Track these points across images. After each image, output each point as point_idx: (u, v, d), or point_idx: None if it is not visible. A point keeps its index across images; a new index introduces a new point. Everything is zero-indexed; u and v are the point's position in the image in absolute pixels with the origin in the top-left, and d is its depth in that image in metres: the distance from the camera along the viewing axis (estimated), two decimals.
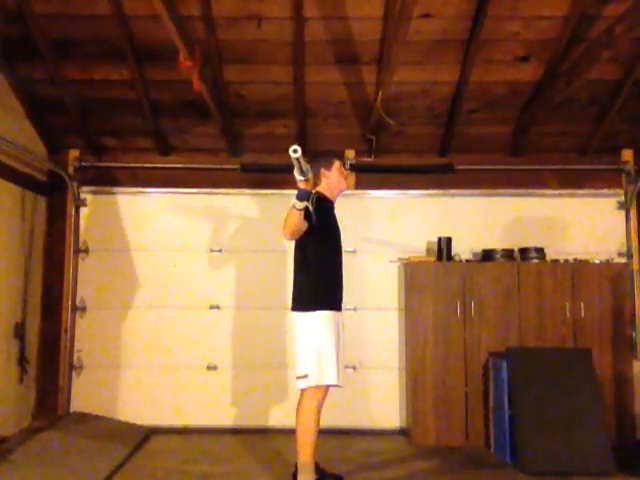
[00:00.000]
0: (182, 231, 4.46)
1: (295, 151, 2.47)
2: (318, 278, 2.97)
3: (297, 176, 2.64)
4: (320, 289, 2.96)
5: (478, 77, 3.91)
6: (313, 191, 2.89)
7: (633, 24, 2.86)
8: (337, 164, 3.16)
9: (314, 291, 2.96)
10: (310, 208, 2.77)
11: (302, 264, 3.02)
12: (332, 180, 3.12)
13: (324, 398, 2.92)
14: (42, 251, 4.38)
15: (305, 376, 2.86)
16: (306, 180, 2.68)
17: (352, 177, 3.15)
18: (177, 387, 4.32)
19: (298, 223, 2.76)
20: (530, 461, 3.40)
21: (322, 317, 2.90)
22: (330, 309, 2.93)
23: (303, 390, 2.89)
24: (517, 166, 4.53)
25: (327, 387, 2.91)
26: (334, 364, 2.87)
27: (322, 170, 3.11)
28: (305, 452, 2.83)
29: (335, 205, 3.19)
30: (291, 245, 4.33)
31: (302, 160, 2.56)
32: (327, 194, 3.10)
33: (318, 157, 3.21)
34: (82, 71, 3.91)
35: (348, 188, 3.18)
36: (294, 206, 2.70)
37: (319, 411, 2.88)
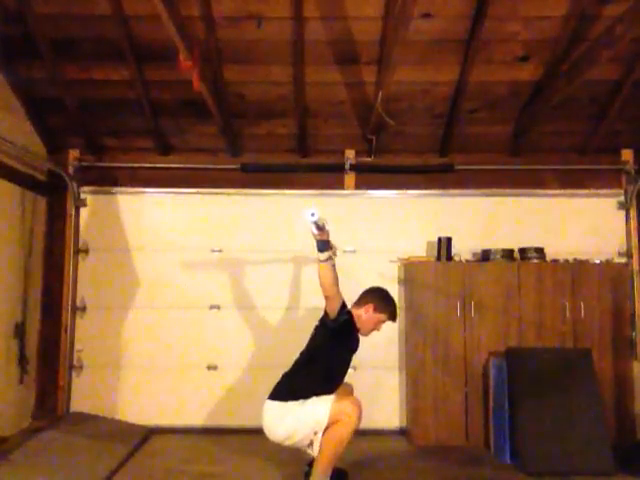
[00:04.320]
0: (182, 231, 4.46)
1: (313, 215, 2.47)
2: (311, 387, 2.92)
3: (314, 231, 2.64)
4: (311, 394, 2.90)
5: (478, 77, 3.91)
6: (345, 311, 2.89)
7: (633, 24, 2.86)
8: (383, 318, 3.08)
9: (305, 391, 2.90)
10: (333, 258, 2.76)
11: (306, 363, 3.01)
12: (367, 319, 3.05)
13: (357, 404, 2.80)
14: (42, 251, 4.38)
15: (315, 434, 2.80)
16: (322, 234, 2.67)
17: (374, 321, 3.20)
18: (177, 387, 4.32)
19: (330, 274, 2.74)
20: (530, 461, 3.40)
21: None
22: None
23: (334, 422, 2.77)
24: (517, 166, 4.53)
25: (341, 397, 2.84)
26: (309, 403, 2.83)
27: (371, 305, 3.05)
28: (328, 462, 2.78)
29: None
30: (291, 246, 4.38)
31: (319, 221, 2.55)
32: (356, 321, 3.03)
33: (384, 296, 3.13)
34: (82, 71, 3.91)
35: (363, 335, 3.12)
36: (319, 260, 2.71)
37: (359, 420, 2.78)
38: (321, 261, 2.72)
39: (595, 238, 4.45)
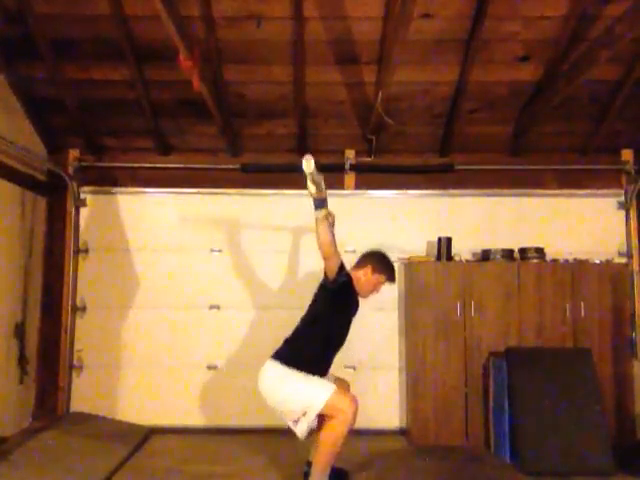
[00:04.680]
0: (182, 231, 4.46)
1: (307, 160, 2.49)
2: (311, 349, 2.94)
3: (310, 188, 2.65)
4: (307, 359, 2.91)
5: (478, 77, 3.91)
6: (343, 277, 2.89)
7: (633, 24, 2.87)
8: (382, 279, 3.09)
9: (302, 356, 2.91)
10: (331, 216, 2.76)
11: (306, 326, 3.02)
12: (365, 281, 3.06)
13: (354, 401, 2.79)
14: (42, 251, 4.38)
15: (304, 414, 2.79)
16: (318, 192, 2.68)
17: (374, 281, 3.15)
18: (177, 387, 4.32)
19: (328, 233, 2.75)
20: (530, 461, 3.40)
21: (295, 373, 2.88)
22: (308, 373, 2.89)
23: (329, 414, 2.77)
24: (517, 166, 4.53)
25: (342, 391, 2.83)
26: (312, 383, 2.83)
27: (369, 266, 3.06)
28: (326, 461, 2.79)
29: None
30: (290, 245, 4.38)
31: (315, 173, 2.56)
32: (355, 284, 3.04)
33: (381, 258, 3.14)
34: (82, 71, 3.91)
35: (363, 297, 3.12)
36: (316, 219, 2.72)
37: (354, 419, 2.77)
38: (319, 219, 2.73)
39: (595, 238, 4.45)
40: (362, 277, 3.05)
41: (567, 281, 4.03)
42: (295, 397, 2.83)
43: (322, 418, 2.84)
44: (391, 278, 3.13)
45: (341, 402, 2.77)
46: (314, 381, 2.86)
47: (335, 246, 2.82)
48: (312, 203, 2.77)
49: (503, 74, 3.94)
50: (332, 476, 2.90)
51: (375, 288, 3.12)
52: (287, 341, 3.04)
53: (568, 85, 3.64)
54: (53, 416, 4.18)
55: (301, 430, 2.83)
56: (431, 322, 4.00)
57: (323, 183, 2.71)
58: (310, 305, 3.09)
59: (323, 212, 2.73)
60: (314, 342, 2.96)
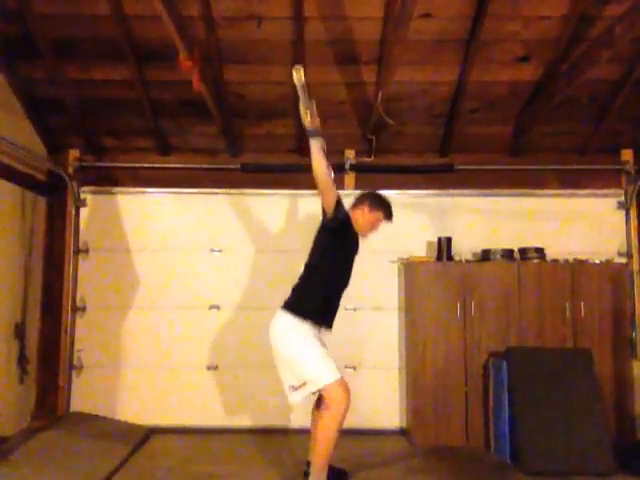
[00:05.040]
0: (182, 231, 4.46)
1: (298, 71, 2.45)
2: (314, 291, 2.97)
3: (302, 111, 2.66)
4: (312, 303, 2.94)
5: (478, 77, 3.91)
6: (342, 213, 2.91)
7: (633, 24, 2.87)
8: (379, 216, 3.10)
9: (307, 301, 2.95)
10: (324, 147, 2.76)
11: (308, 271, 3.03)
12: (363, 220, 3.07)
13: (349, 399, 2.81)
14: (42, 251, 4.38)
15: (304, 384, 2.82)
16: (312, 117, 2.68)
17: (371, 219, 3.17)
18: (177, 387, 4.32)
19: (323, 161, 2.75)
20: (530, 461, 3.40)
21: (305, 327, 2.89)
22: (318, 324, 2.93)
23: (325, 396, 2.80)
24: (517, 166, 4.53)
25: (345, 386, 2.83)
26: (325, 361, 2.83)
27: (366, 204, 3.08)
28: (323, 457, 2.80)
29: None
30: (291, 245, 4.38)
31: (306, 88, 2.54)
32: (354, 225, 3.06)
33: (376, 195, 3.17)
34: (82, 71, 3.91)
35: (363, 237, 3.15)
36: (312, 150, 2.72)
37: (346, 412, 2.79)
38: (314, 149, 2.73)
39: (595, 238, 4.45)
40: (360, 217, 3.07)
41: (567, 281, 4.03)
42: (302, 363, 2.85)
43: (316, 412, 2.89)
44: (388, 215, 3.14)
45: (339, 393, 2.78)
46: (326, 358, 2.86)
47: (331, 177, 2.83)
48: (307, 133, 2.76)
49: (503, 74, 3.94)
50: (332, 476, 2.90)
51: (373, 226, 3.13)
52: (294, 289, 3.05)
53: (568, 85, 3.64)
54: (53, 416, 4.18)
55: (295, 399, 2.89)
56: (431, 322, 4.00)
57: (315, 109, 2.71)
58: (311, 249, 3.09)
59: (318, 142, 2.73)
60: (318, 285, 2.97)
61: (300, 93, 2.60)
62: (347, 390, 2.82)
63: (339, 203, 2.89)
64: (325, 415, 2.80)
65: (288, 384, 2.91)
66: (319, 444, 2.82)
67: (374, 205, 3.09)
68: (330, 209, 2.88)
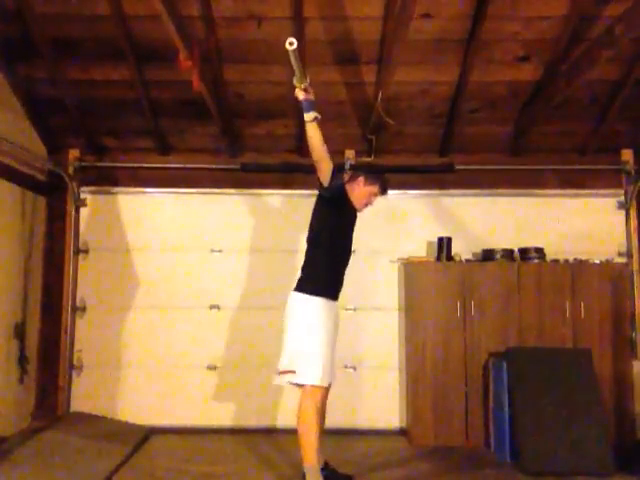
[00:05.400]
0: (182, 231, 4.46)
1: (291, 44, 2.45)
2: (317, 265, 3.01)
3: (296, 83, 2.68)
4: (317, 276, 2.98)
5: (478, 77, 3.91)
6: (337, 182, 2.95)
7: (633, 24, 2.86)
8: (374, 189, 3.12)
9: (312, 275, 2.99)
10: (319, 117, 2.77)
11: (308, 248, 3.07)
12: (359, 192, 3.10)
13: (326, 396, 2.90)
14: (42, 251, 4.38)
15: (292, 372, 2.85)
16: (305, 89, 2.71)
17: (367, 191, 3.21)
18: (177, 387, 4.32)
19: (319, 136, 2.78)
20: (530, 461, 3.40)
21: (318, 306, 2.91)
22: (326, 296, 2.95)
23: (302, 389, 2.87)
24: (517, 166, 4.53)
25: (322, 396, 2.88)
26: (321, 362, 2.84)
27: (362, 178, 3.11)
28: (309, 455, 2.82)
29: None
30: (291, 245, 4.37)
31: (298, 57, 2.55)
32: (350, 196, 3.09)
33: (370, 170, 3.23)
34: (82, 71, 3.91)
35: (358, 210, 3.17)
36: (306, 122, 2.75)
37: (319, 411, 2.85)
38: (308, 122, 2.75)
39: (595, 238, 4.44)
40: (355, 189, 3.10)
41: (567, 281, 4.03)
42: (300, 350, 2.86)
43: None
44: (383, 188, 3.17)
45: (313, 400, 2.82)
46: (327, 359, 2.88)
47: (325, 148, 2.85)
48: (302, 107, 2.77)
49: (503, 74, 3.94)
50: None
51: (369, 200, 3.15)
52: (301, 268, 3.08)
53: (568, 85, 3.64)
54: (53, 416, 4.18)
55: (279, 382, 2.93)
56: (431, 322, 4.00)
57: (308, 78, 2.73)
58: (310, 222, 3.12)
59: (312, 114, 2.75)
60: (321, 257, 3.01)
61: (293, 63, 2.59)
62: (322, 400, 2.87)
63: (334, 174, 2.92)
64: (300, 411, 2.84)
65: (280, 366, 2.94)
66: (300, 439, 2.84)
67: (369, 178, 3.12)
68: (326, 177, 2.91)
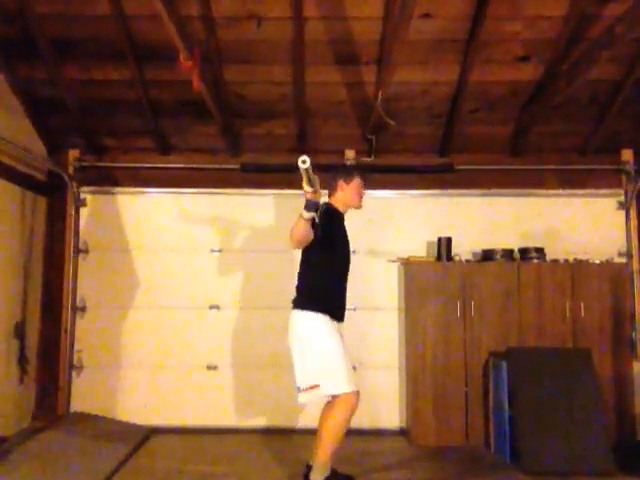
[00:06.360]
0: (182, 231, 4.46)
1: (304, 162, 2.47)
2: (316, 284, 2.97)
3: (305, 187, 2.65)
4: (317, 294, 2.95)
5: (478, 77, 3.91)
6: (322, 202, 2.87)
7: (633, 24, 2.86)
8: (357, 181, 3.12)
9: (312, 293, 2.96)
10: (316, 220, 2.76)
11: (304, 268, 3.03)
12: (347, 194, 3.10)
13: (358, 400, 2.85)
14: (42, 251, 4.38)
15: (316, 386, 2.82)
16: (314, 192, 2.67)
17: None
18: (177, 387, 4.32)
19: (305, 233, 2.75)
20: (530, 461, 3.40)
21: (321, 320, 2.89)
22: (328, 314, 2.92)
23: (337, 399, 2.82)
24: (517, 166, 4.53)
25: (357, 396, 2.85)
26: (343, 368, 2.83)
27: (340, 181, 3.10)
28: (326, 454, 2.82)
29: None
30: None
31: (310, 171, 2.55)
32: (339, 206, 3.09)
33: (340, 169, 3.22)
34: (82, 71, 3.91)
35: (359, 207, 3.17)
36: (301, 215, 2.69)
37: (350, 418, 2.84)
38: (303, 218, 2.70)
39: (595, 238, 4.45)
40: (341, 194, 3.10)
41: (567, 281, 4.03)
42: (320, 366, 2.84)
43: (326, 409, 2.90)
44: (362, 176, 3.17)
45: (349, 404, 2.81)
46: (348, 367, 2.87)
47: (305, 238, 2.79)
48: (304, 204, 2.72)
49: (503, 74, 3.94)
50: None
51: (359, 193, 3.14)
52: (296, 287, 3.05)
53: (568, 85, 3.64)
54: (53, 416, 4.18)
55: (303, 400, 2.89)
56: (431, 322, 4.00)
57: (318, 184, 2.70)
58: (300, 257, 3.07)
59: (310, 215, 2.71)
60: (318, 273, 2.98)
61: (305, 177, 2.59)
62: (357, 398, 2.85)
63: (314, 225, 2.80)
64: (333, 413, 2.82)
65: (300, 383, 2.90)
66: (324, 438, 2.83)
67: (347, 176, 3.12)
68: (312, 237, 2.83)
